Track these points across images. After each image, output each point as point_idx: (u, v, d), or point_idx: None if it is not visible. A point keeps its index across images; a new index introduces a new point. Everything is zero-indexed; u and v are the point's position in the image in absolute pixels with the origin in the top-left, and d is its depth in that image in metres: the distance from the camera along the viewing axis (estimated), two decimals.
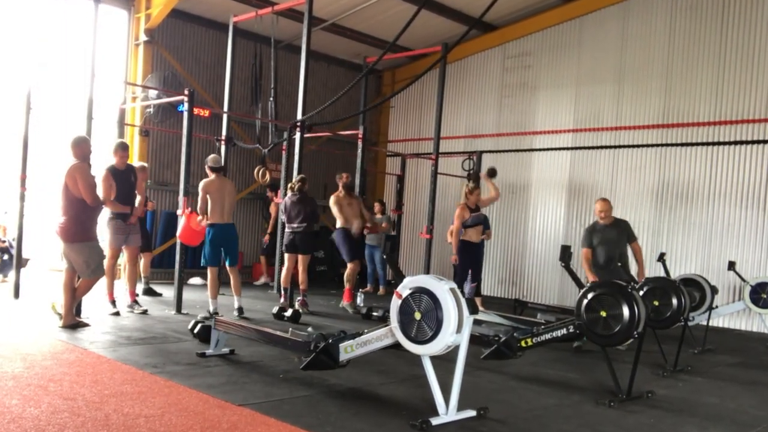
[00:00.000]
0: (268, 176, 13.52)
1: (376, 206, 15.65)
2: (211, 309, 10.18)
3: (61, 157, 8.71)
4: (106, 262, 10.36)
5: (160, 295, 11.86)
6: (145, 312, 10.06)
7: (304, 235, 11.38)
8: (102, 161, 10.35)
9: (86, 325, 8.55)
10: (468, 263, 11.06)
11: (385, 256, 9.73)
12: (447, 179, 16.31)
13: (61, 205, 8.41)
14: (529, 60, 16.61)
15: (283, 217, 11.69)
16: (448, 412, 5.34)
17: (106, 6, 13.87)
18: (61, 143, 8.58)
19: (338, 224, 11.97)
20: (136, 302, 10.26)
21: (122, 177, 9.82)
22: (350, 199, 12.10)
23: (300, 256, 11.49)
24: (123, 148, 9.89)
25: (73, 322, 8.51)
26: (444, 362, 5.63)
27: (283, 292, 11.56)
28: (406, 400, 6.16)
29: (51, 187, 8.61)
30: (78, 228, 8.38)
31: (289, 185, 11.59)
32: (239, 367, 7.01)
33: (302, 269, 11.53)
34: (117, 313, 9.82)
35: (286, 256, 11.53)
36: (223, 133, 13.79)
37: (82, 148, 8.54)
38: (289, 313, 10.30)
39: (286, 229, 11.49)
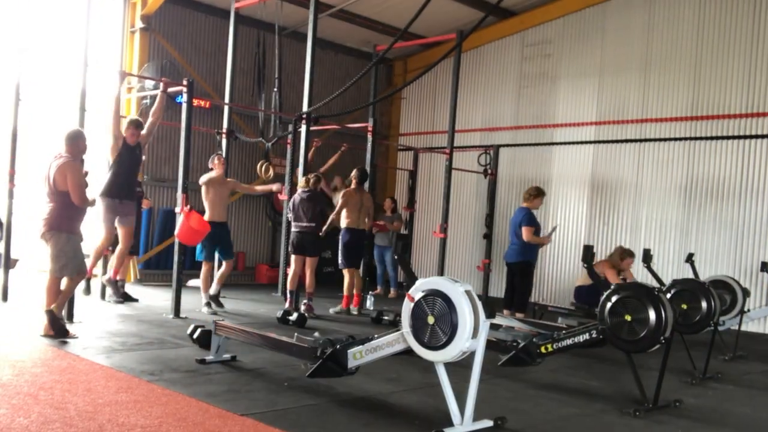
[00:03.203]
0: (271, 172, 13.54)
1: (387, 203, 15.64)
2: (204, 300, 11.29)
3: (50, 150, 8.67)
4: (97, 244, 10.34)
5: (136, 300, 11.78)
6: (121, 302, 10.35)
7: (313, 235, 11.39)
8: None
9: (72, 336, 8.29)
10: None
11: (396, 257, 9.72)
12: (462, 175, 16.29)
13: (46, 200, 8.37)
14: (550, 48, 16.57)
15: (289, 216, 11.69)
16: (463, 422, 5.32)
17: None
18: (53, 137, 8.54)
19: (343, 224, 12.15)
20: (116, 283, 10.62)
21: (130, 152, 10.17)
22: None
23: (308, 258, 11.50)
24: (136, 126, 10.22)
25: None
26: (459, 369, 5.62)
27: (288, 295, 11.55)
28: (419, 409, 6.16)
29: (38, 183, 8.54)
30: (58, 217, 8.23)
31: (304, 179, 11.59)
32: (241, 375, 7.01)
33: (310, 272, 11.55)
34: (124, 294, 10.11)
35: (292, 257, 11.54)
36: (224, 125, 13.79)
37: (77, 144, 8.50)
38: (294, 317, 10.29)
39: (293, 229, 11.49)
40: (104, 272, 11.31)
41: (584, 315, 10.56)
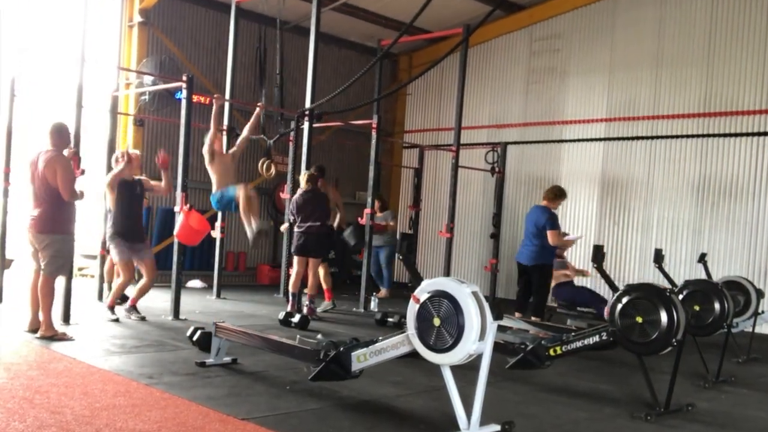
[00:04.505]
0: (273, 170, 13.53)
1: (376, 203, 15.24)
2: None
3: (37, 145, 8.71)
4: (120, 281, 10.14)
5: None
6: (143, 319, 10.11)
7: (317, 236, 11.38)
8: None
9: (68, 338, 8.34)
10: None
11: (401, 257, 9.70)
12: (469, 173, 16.28)
13: (35, 197, 8.39)
14: (559, 43, 16.54)
15: (291, 217, 11.67)
16: (470, 426, 5.31)
17: None
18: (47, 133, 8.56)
19: None
20: (134, 308, 10.27)
21: (130, 190, 10.16)
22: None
23: (311, 260, 11.48)
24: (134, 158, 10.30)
25: (52, 333, 8.32)
26: (465, 372, 5.61)
27: (291, 298, 11.53)
28: (425, 413, 6.16)
29: (25, 177, 8.58)
30: (53, 219, 8.31)
31: (301, 177, 11.59)
32: (242, 378, 7.02)
33: (312, 273, 11.54)
34: (117, 320, 9.88)
35: (296, 259, 11.53)
36: (225, 122, 13.76)
37: (62, 136, 8.54)
38: (296, 318, 10.29)
39: (296, 230, 11.48)
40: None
41: (594, 317, 10.57)
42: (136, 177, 10.47)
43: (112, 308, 10.07)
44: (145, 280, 10.24)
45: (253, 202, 11.07)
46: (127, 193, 10.16)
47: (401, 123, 19.67)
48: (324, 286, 12.39)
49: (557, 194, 11.61)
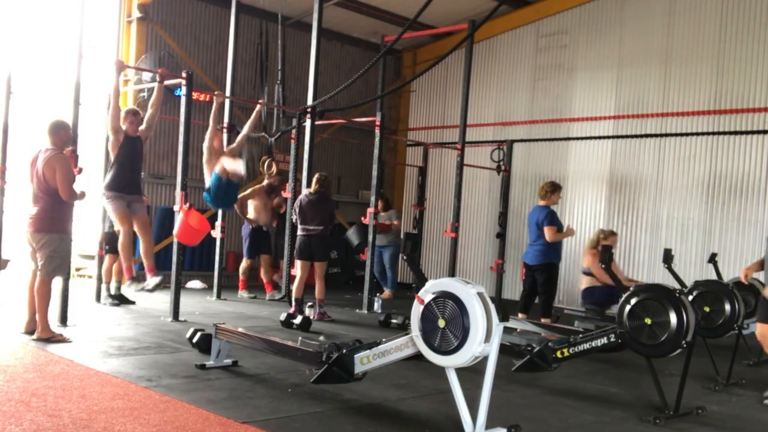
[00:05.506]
0: (274, 168, 13.52)
1: (379, 203, 15.10)
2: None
3: (36, 143, 8.71)
4: (120, 238, 9.81)
5: (133, 303, 11.77)
6: (117, 304, 10.01)
7: (320, 239, 11.35)
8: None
9: (65, 340, 8.33)
10: None
11: (405, 257, 9.71)
12: (474, 171, 16.27)
13: (33, 195, 8.39)
14: (566, 39, 16.53)
15: (294, 217, 11.62)
16: (475, 430, 5.30)
17: None
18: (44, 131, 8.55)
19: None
20: (134, 279, 9.89)
21: (132, 144, 9.80)
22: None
23: (317, 264, 11.45)
24: (134, 114, 9.95)
25: (49, 335, 8.31)
26: (471, 375, 5.61)
27: (294, 303, 11.47)
28: (429, 416, 6.14)
29: (23, 178, 8.58)
30: (50, 218, 8.33)
31: (316, 179, 11.52)
32: (243, 381, 7.01)
33: (319, 278, 11.48)
34: (143, 288, 9.73)
35: (299, 263, 11.51)
36: (225, 119, 13.76)
37: (61, 135, 8.53)
38: (298, 320, 10.27)
39: (299, 232, 11.45)
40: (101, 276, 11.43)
41: (602, 318, 10.55)
42: (137, 135, 10.20)
43: (133, 279, 9.80)
44: (144, 244, 9.85)
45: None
46: (129, 146, 9.86)
47: (405, 120, 19.67)
48: (264, 279, 14.04)
49: (550, 190, 11.66)
